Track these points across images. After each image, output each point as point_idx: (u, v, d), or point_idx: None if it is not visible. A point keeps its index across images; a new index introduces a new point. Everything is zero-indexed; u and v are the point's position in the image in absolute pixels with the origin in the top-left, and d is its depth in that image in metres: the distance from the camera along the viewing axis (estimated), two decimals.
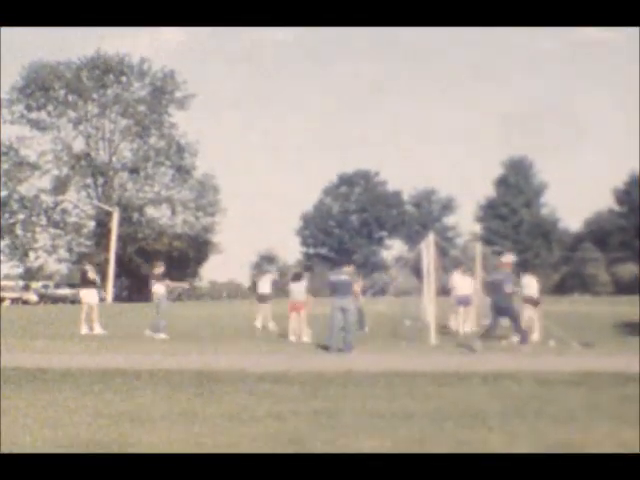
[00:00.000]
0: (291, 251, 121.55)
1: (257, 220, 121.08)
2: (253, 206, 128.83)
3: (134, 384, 10.77)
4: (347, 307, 16.73)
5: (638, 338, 17.20)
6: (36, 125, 71.34)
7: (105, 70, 71.52)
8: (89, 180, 72.60)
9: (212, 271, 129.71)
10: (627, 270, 77.52)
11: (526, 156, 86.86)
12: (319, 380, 11.02)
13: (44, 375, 11.73)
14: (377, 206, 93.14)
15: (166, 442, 6.73)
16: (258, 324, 24.32)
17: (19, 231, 70.88)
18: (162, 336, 20.29)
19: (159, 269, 22.29)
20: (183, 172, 73.96)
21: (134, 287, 70.07)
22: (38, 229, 71.75)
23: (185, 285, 58.81)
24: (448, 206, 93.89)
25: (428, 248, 22.92)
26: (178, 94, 73.42)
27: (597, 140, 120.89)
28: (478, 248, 25.84)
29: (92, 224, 73.20)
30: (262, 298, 24.82)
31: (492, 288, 17.02)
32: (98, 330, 21.29)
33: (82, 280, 22.98)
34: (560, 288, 71.34)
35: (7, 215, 69.28)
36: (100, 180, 72.43)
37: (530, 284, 19.73)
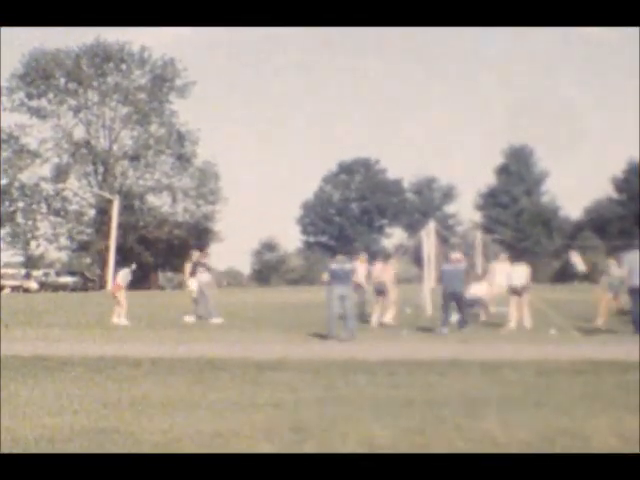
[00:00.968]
0: (292, 239, 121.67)
1: (258, 208, 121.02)
2: (254, 194, 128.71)
3: (135, 372, 10.79)
4: (346, 295, 16.78)
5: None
6: (36, 113, 71.31)
7: (105, 58, 71.42)
8: (90, 168, 72.60)
9: (213, 259, 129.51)
10: None
11: (527, 144, 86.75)
12: (320, 368, 11.04)
13: (44, 363, 11.75)
14: (377, 194, 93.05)
15: (167, 429, 6.74)
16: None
17: (20, 219, 70.94)
18: (219, 320, 20.45)
19: (204, 257, 22.46)
20: (184, 160, 73.93)
21: (135, 275, 70.10)
22: (39, 217, 71.80)
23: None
24: (449, 194, 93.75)
25: (428, 236, 22.94)
26: (178, 82, 73.41)
27: (596, 129, 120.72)
28: (478, 236, 25.89)
29: (93, 212, 73.22)
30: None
31: (448, 278, 18.26)
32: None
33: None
34: (560, 276, 71.24)
35: (8, 203, 69.30)
36: (101, 168, 72.43)
37: (519, 274, 19.78)
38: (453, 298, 18.11)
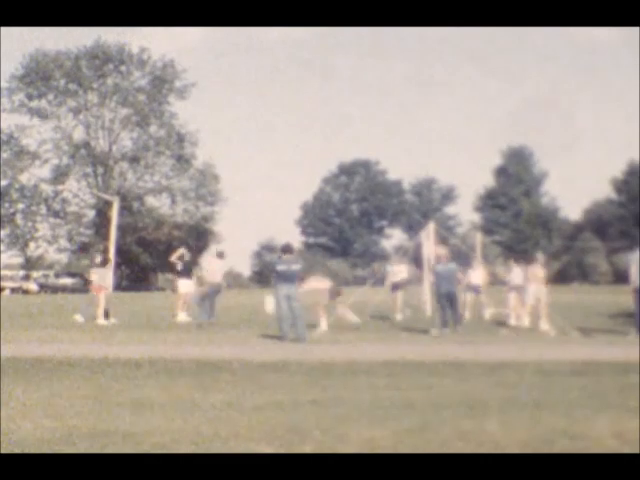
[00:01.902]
0: (291, 241, 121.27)
1: (257, 210, 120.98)
2: (253, 196, 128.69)
3: (134, 373, 10.79)
4: (292, 295, 16.65)
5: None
6: (36, 114, 71.24)
7: (105, 59, 71.38)
8: (89, 169, 72.53)
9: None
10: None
11: (526, 145, 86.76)
12: (319, 370, 11.03)
13: (44, 364, 11.74)
14: (377, 195, 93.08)
15: (166, 431, 6.73)
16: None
17: (19, 220, 70.84)
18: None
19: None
20: (183, 161, 73.84)
21: (134, 276, 70.12)
22: (38, 218, 71.69)
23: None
24: (449, 195, 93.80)
25: (428, 237, 22.95)
26: (178, 83, 73.37)
27: (596, 130, 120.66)
28: (478, 237, 25.88)
29: (92, 213, 73.12)
30: None
31: (441, 278, 18.45)
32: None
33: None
34: (560, 277, 71.25)
35: (7, 204, 69.23)
36: (100, 169, 72.36)
37: (518, 273, 20.12)
38: (447, 298, 18.21)
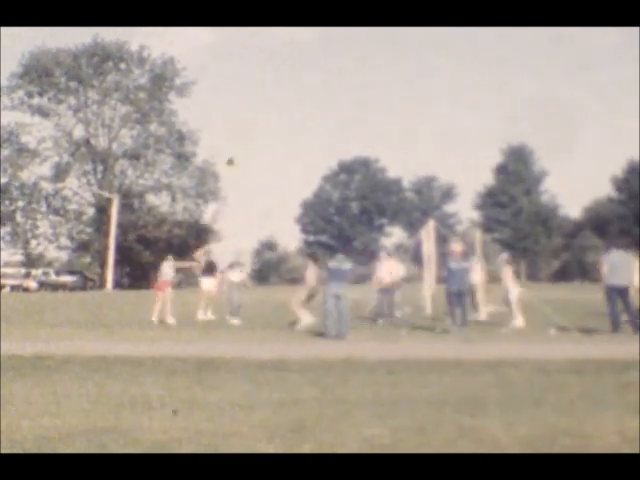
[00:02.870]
0: (291, 239, 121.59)
1: (257, 208, 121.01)
2: (253, 194, 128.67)
3: (135, 371, 10.78)
4: (340, 294, 16.76)
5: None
6: (36, 111, 71.29)
7: (104, 57, 71.39)
8: (89, 167, 72.59)
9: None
10: None
11: (526, 144, 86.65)
12: (320, 367, 11.03)
13: (44, 362, 11.73)
14: (377, 193, 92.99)
15: (167, 429, 6.74)
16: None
17: (20, 218, 70.91)
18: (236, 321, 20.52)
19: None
20: (183, 159, 73.91)
21: (134, 274, 70.11)
22: (38, 216, 71.73)
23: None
24: (449, 193, 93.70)
25: (428, 235, 22.91)
26: (178, 81, 73.36)
27: (596, 128, 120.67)
28: (478, 235, 25.84)
29: (92, 211, 73.16)
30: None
31: (454, 276, 17.82)
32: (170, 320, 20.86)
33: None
34: (560, 275, 71.39)
35: (7, 202, 69.30)
36: (100, 167, 72.40)
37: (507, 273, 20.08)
38: (457, 296, 17.93)
